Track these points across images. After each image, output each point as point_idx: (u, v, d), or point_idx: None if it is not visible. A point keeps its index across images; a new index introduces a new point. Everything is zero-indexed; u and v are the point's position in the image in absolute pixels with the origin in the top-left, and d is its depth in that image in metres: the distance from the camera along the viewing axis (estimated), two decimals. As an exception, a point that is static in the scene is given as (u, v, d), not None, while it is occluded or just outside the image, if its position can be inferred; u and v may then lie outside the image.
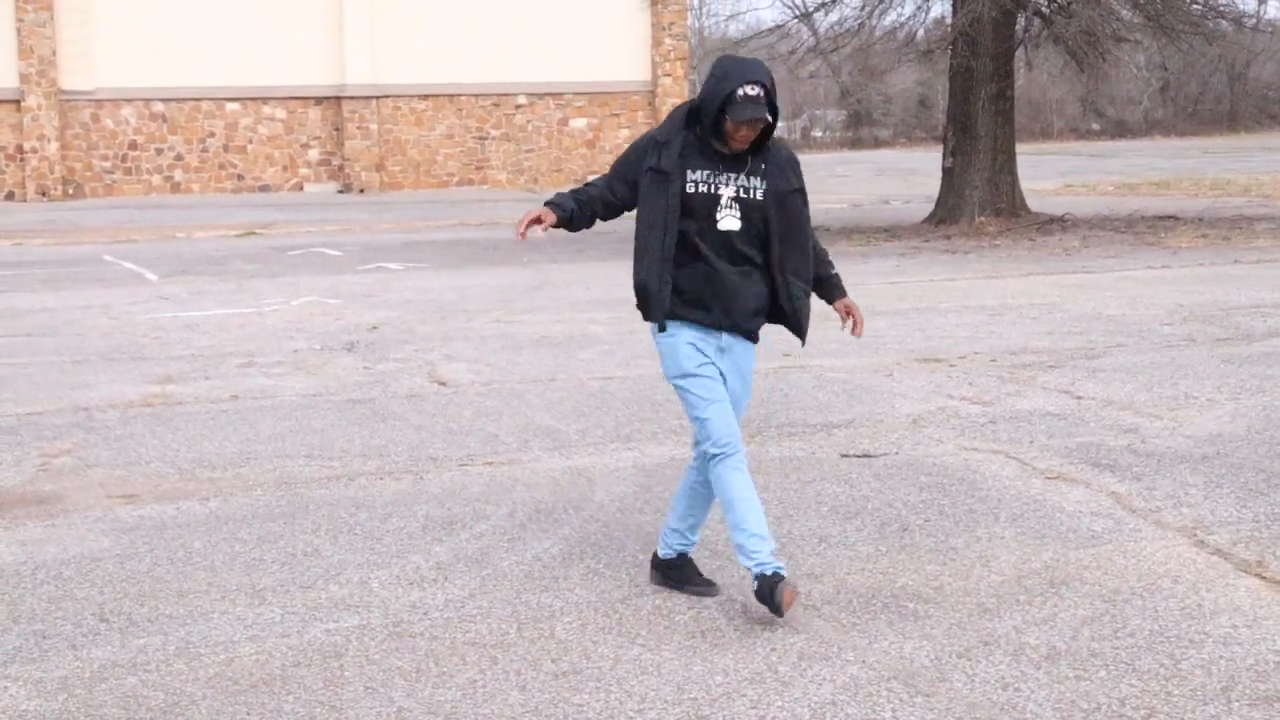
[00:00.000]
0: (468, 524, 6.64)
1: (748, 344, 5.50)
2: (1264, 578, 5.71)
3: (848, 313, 5.58)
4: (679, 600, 5.55)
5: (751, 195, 5.32)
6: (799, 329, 5.53)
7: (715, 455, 5.32)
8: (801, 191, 5.42)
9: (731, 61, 5.30)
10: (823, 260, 5.59)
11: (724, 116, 5.20)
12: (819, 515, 6.57)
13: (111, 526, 6.72)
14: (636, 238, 5.42)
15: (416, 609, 5.53)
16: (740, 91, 5.14)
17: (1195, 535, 6.27)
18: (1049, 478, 7.26)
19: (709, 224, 5.32)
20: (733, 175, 5.32)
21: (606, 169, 5.71)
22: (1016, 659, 4.94)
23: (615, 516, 6.74)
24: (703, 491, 5.58)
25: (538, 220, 5.39)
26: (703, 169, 5.32)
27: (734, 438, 5.34)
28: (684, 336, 5.38)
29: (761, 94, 5.16)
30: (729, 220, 5.31)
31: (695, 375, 5.35)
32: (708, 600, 5.53)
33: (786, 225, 5.35)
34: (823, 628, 5.25)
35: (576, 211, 5.49)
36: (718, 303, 5.35)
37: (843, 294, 5.63)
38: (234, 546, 6.37)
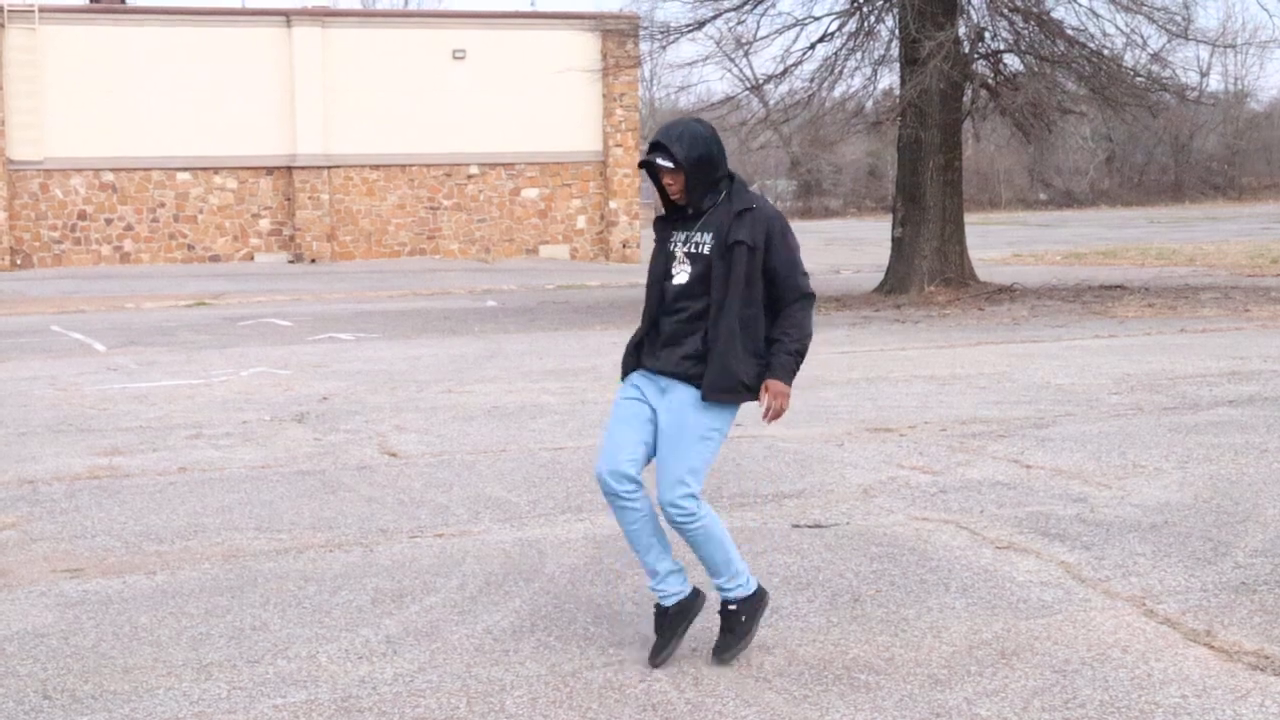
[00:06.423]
0: (418, 597, 6.59)
1: (687, 387, 5.56)
2: (1212, 647, 5.73)
3: (765, 391, 5.52)
4: (630, 673, 5.52)
5: (699, 249, 5.56)
6: (710, 376, 5.46)
7: (603, 488, 5.62)
8: (746, 245, 5.45)
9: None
10: (785, 334, 5.54)
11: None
12: (770, 586, 6.56)
13: (56, 601, 6.63)
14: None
15: (365, 683, 5.48)
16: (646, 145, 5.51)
17: (1144, 605, 6.29)
18: (999, 547, 7.28)
19: (670, 280, 5.63)
20: (687, 233, 5.61)
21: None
22: (968, 731, 4.93)
23: (566, 588, 6.70)
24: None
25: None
26: (675, 230, 5.66)
27: (611, 468, 5.52)
28: (633, 378, 5.73)
29: (661, 144, 5.49)
30: (680, 274, 5.60)
31: (617, 401, 5.72)
32: (659, 673, 5.51)
33: (724, 276, 5.49)
34: (774, 700, 5.23)
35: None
36: (662, 350, 5.63)
37: (775, 374, 5.52)
38: (180, 621, 6.29)
